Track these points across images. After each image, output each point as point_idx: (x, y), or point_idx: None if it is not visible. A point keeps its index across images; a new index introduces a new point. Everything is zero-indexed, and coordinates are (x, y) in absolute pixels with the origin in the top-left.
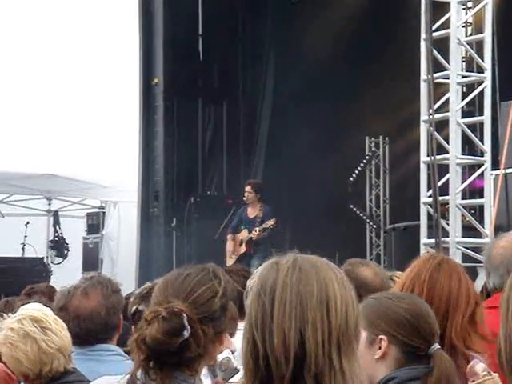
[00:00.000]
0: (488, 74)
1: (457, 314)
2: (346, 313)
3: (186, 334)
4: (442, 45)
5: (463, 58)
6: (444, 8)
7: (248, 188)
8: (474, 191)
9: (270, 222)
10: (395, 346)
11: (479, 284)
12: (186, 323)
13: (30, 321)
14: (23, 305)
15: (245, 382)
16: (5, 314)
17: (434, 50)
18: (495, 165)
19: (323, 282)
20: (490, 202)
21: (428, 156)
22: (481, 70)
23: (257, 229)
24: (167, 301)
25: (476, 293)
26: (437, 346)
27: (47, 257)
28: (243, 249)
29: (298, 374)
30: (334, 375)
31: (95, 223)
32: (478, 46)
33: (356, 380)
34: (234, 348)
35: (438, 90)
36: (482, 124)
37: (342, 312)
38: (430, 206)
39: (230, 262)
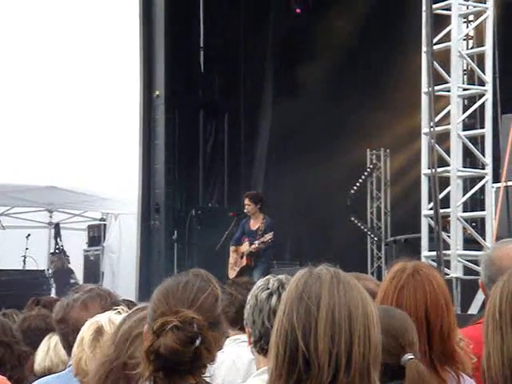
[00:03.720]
0: (489, 86)
1: (432, 331)
2: (378, 330)
3: (198, 342)
4: (443, 58)
5: (464, 70)
6: (445, 21)
7: (247, 200)
8: (476, 204)
9: (268, 236)
10: None
11: (480, 297)
12: (198, 331)
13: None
14: (25, 317)
15: (275, 380)
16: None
17: (435, 63)
18: (496, 177)
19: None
20: (491, 215)
21: (429, 168)
22: (482, 83)
23: (256, 242)
24: (173, 310)
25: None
26: (407, 357)
27: (48, 269)
28: (244, 261)
29: (336, 381)
30: None
31: (96, 235)
32: (479, 59)
33: None
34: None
35: (439, 102)
36: (483, 137)
37: (378, 330)
38: (431, 218)
39: (231, 273)
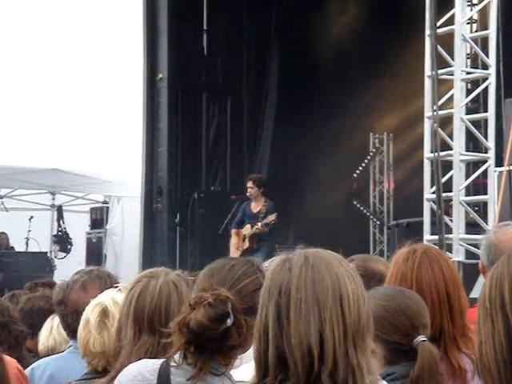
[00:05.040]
0: (492, 70)
1: (452, 305)
2: (358, 308)
3: (230, 321)
4: (447, 41)
5: (468, 54)
6: (449, 4)
7: (250, 183)
8: (478, 188)
9: (272, 217)
10: (379, 344)
11: (482, 281)
12: (231, 311)
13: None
14: (29, 298)
15: (257, 381)
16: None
17: (439, 47)
18: (499, 161)
19: (336, 278)
20: (493, 199)
21: (432, 152)
22: (485, 67)
23: (259, 224)
24: (213, 288)
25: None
26: (420, 338)
27: (51, 251)
28: (246, 244)
29: (315, 372)
30: (352, 371)
31: (99, 218)
32: (483, 43)
33: (373, 374)
34: None
35: (443, 86)
36: (486, 121)
37: (355, 307)
38: (434, 202)
39: (235, 255)
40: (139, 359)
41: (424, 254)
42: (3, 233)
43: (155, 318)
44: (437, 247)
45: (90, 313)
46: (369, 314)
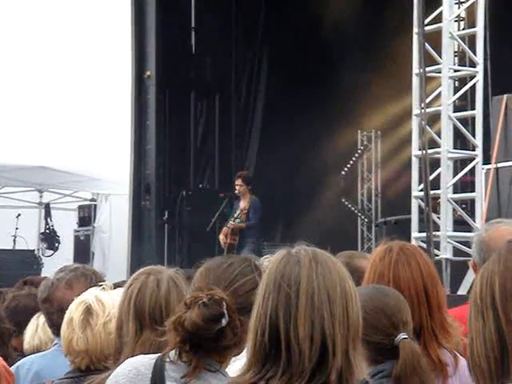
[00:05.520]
0: (480, 68)
1: (430, 301)
2: (358, 309)
3: (224, 322)
4: (435, 39)
5: (455, 52)
6: (436, 2)
7: (239, 181)
8: (466, 185)
9: (240, 212)
10: (362, 345)
11: (469, 278)
12: (225, 311)
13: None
14: (14, 296)
15: (251, 372)
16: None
17: (427, 44)
18: (487, 159)
19: (342, 276)
20: (481, 197)
21: (420, 150)
22: (473, 65)
23: (232, 219)
24: (208, 287)
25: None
26: (401, 336)
27: (38, 249)
28: (228, 240)
29: (318, 366)
30: (350, 370)
31: (87, 216)
32: (471, 40)
33: (363, 375)
34: None
35: (430, 84)
36: (473, 118)
37: (357, 308)
38: (422, 199)
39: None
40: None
41: (400, 251)
42: None
43: (156, 314)
44: (413, 244)
45: (74, 311)
46: (360, 317)
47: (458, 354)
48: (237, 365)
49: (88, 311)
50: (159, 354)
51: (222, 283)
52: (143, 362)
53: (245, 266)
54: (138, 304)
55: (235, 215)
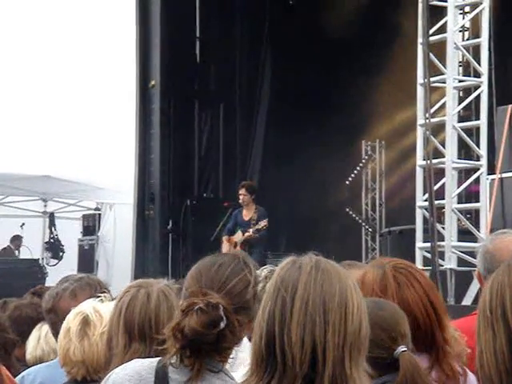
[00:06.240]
0: (485, 78)
1: (438, 313)
2: (360, 320)
3: (223, 325)
4: (439, 49)
5: (460, 62)
6: (441, 12)
7: (242, 190)
8: (470, 195)
9: (263, 223)
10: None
11: (474, 289)
12: (223, 315)
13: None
14: (16, 306)
15: (254, 376)
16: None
17: (431, 55)
18: (491, 169)
19: (344, 286)
20: (485, 207)
21: (424, 160)
22: (477, 75)
23: (250, 230)
24: (202, 292)
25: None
26: (400, 349)
27: (43, 258)
28: (238, 250)
29: (311, 374)
30: (346, 380)
31: (91, 225)
32: (475, 51)
33: None
34: None
35: (435, 94)
36: (478, 128)
37: (358, 318)
38: (426, 209)
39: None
40: None
41: (396, 273)
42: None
43: (145, 327)
44: (395, 258)
45: (71, 321)
46: (368, 330)
47: (466, 369)
48: (241, 372)
49: (85, 322)
50: (158, 359)
51: (215, 285)
52: (144, 366)
53: (235, 265)
54: (127, 317)
55: (250, 226)
